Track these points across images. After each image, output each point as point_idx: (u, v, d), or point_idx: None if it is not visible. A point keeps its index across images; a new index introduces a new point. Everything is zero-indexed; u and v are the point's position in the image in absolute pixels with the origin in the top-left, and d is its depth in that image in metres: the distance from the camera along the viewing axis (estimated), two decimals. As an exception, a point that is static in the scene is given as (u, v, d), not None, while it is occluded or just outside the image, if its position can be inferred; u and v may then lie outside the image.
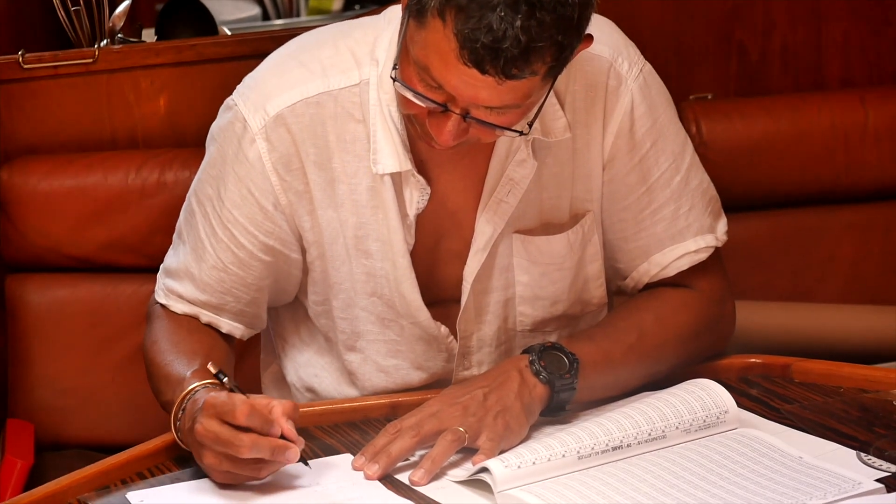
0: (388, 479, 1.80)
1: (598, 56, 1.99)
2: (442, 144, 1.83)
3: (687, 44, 3.21)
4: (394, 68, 1.83)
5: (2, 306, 2.87)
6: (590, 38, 1.82)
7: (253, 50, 2.80)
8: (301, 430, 1.78)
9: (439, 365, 2.08)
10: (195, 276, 2.02)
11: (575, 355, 1.92)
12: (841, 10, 3.21)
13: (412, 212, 1.98)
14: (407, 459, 1.83)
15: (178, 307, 2.04)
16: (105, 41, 2.93)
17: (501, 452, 1.81)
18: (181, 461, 1.87)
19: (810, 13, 3.21)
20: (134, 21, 3.13)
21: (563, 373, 1.91)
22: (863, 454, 1.82)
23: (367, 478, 1.80)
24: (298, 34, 2.06)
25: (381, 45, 1.95)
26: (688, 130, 2.24)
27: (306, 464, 1.78)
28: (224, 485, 1.78)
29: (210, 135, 2.03)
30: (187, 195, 2.06)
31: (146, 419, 2.51)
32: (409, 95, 1.81)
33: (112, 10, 2.91)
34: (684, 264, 2.08)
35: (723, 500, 1.70)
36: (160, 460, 1.88)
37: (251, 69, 2.03)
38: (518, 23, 1.69)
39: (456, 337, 2.06)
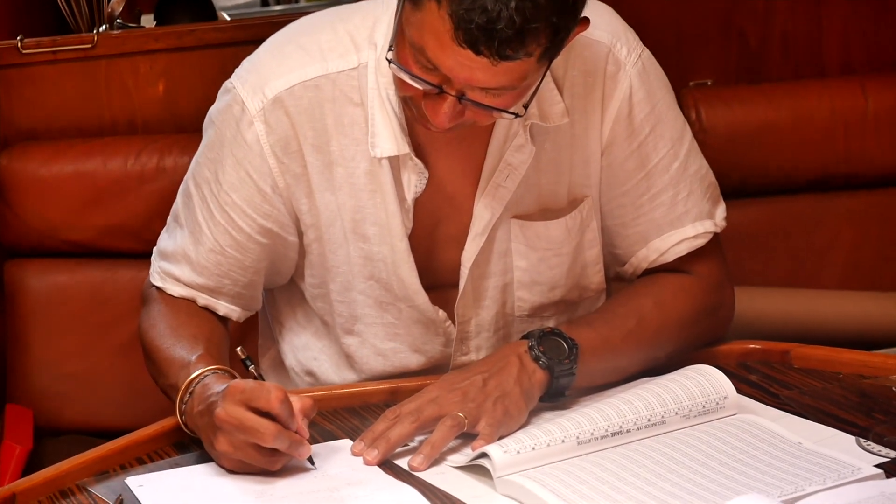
0: (387, 465, 1.80)
1: (596, 41, 1.99)
2: (438, 126, 1.83)
3: (687, 30, 3.20)
4: (389, 50, 1.83)
5: (1, 292, 2.87)
6: (586, 21, 1.81)
7: (252, 35, 2.79)
8: (300, 416, 1.78)
9: (437, 349, 2.08)
10: (192, 259, 2.02)
11: (574, 341, 1.92)
12: (841, -4, 3.21)
13: (410, 196, 1.97)
14: (406, 445, 1.83)
15: (175, 290, 2.03)
16: (104, 26, 2.93)
17: (501, 438, 1.81)
18: (180, 447, 1.87)
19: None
20: (133, 6, 3.13)
21: (563, 358, 1.91)
22: (862, 440, 1.82)
23: (367, 463, 1.80)
24: (297, 19, 2.06)
25: (380, 30, 1.95)
26: (687, 117, 2.24)
27: (312, 464, 1.78)
28: (224, 470, 1.77)
29: (208, 117, 2.03)
30: (184, 178, 2.06)
31: (145, 404, 2.51)
32: (405, 77, 1.80)
33: (111, -5, 2.91)
34: (683, 250, 2.07)
35: (722, 485, 1.70)
36: (159, 445, 1.88)
37: (250, 55, 2.03)
38: (513, 4, 1.69)
39: (454, 322, 2.06)
